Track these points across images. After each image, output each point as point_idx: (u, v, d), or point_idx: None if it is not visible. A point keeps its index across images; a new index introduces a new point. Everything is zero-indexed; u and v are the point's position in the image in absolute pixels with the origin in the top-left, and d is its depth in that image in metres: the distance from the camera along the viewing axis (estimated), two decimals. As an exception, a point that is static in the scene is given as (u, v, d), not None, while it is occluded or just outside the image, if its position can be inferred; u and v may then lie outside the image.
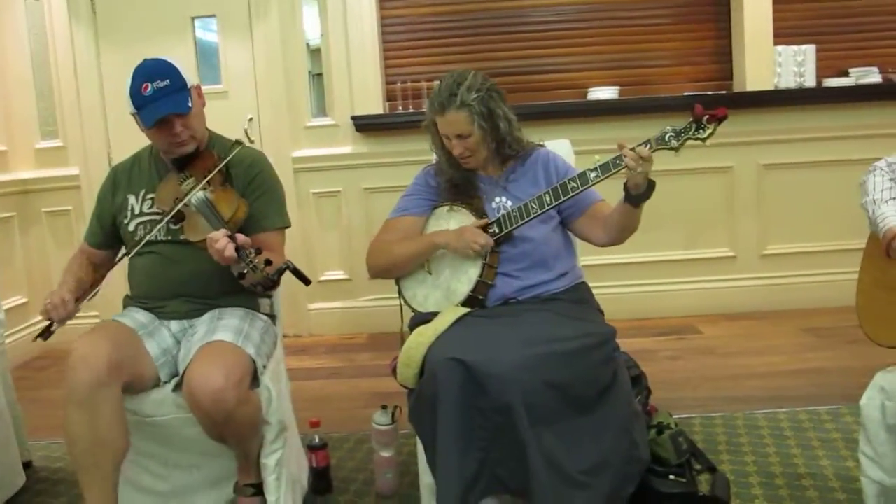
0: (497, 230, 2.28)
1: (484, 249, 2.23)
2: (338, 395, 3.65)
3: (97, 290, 2.36)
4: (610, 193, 2.35)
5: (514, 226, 2.27)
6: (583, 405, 1.98)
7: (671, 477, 2.28)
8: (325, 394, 3.67)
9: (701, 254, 4.60)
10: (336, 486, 2.63)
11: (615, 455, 1.99)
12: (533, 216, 2.25)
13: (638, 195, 2.14)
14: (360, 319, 4.69)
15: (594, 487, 1.92)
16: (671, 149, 2.12)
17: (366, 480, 2.68)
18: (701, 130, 2.10)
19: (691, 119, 2.11)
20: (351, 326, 4.72)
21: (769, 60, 4.41)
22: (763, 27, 4.39)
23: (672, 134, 2.12)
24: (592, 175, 2.19)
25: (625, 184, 2.15)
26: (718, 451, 2.72)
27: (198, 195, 2.21)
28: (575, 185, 2.21)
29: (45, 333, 2.21)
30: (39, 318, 4.68)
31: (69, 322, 2.22)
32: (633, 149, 2.07)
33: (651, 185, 2.14)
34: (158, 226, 2.31)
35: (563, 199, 2.23)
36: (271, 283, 2.05)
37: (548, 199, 2.24)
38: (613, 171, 2.15)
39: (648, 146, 2.09)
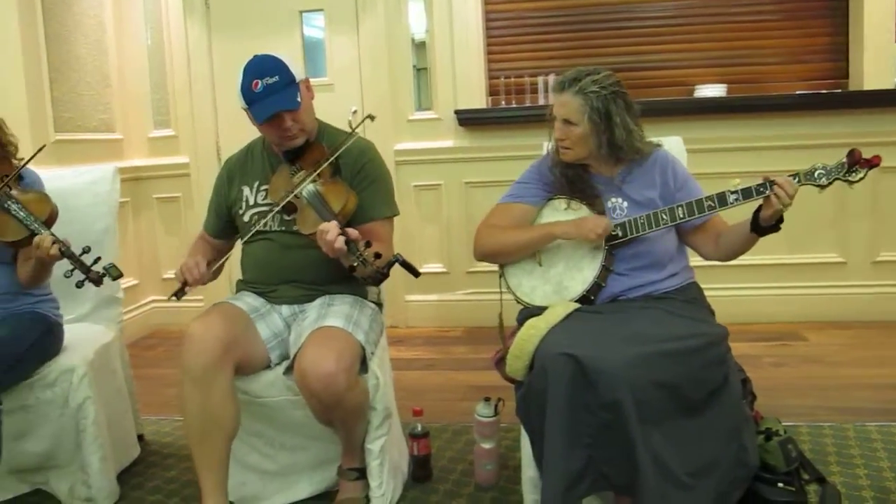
0: (621, 234, 2.24)
1: (604, 236, 2.20)
2: (434, 386, 3.68)
3: (226, 258, 2.43)
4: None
5: (640, 233, 2.23)
6: (692, 406, 1.94)
7: (780, 485, 2.21)
8: (422, 384, 3.70)
9: (809, 258, 4.44)
10: (435, 475, 2.66)
11: (723, 458, 1.95)
12: (662, 227, 2.22)
13: (767, 227, 2.13)
14: (457, 313, 4.71)
15: (699, 489, 1.88)
16: (818, 186, 2.11)
17: (465, 471, 2.70)
18: (853, 174, 2.10)
19: (845, 160, 2.10)
20: (447, 319, 4.74)
21: (889, 57, 4.21)
22: (884, 23, 4.20)
23: (822, 172, 2.10)
24: (732, 198, 2.15)
25: (755, 213, 2.13)
26: (828, 461, 2.63)
27: (308, 188, 2.26)
28: (712, 204, 2.18)
29: (179, 293, 2.30)
30: (152, 298, 4.93)
31: (184, 299, 2.33)
32: (775, 183, 2.04)
33: (781, 218, 2.11)
34: (268, 216, 2.38)
35: (697, 215, 2.21)
36: (381, 276, 2.06)
37: (681, 213, 2.21)
38: (756, 197, 2.11)
39: (797, 180, 2.08)
